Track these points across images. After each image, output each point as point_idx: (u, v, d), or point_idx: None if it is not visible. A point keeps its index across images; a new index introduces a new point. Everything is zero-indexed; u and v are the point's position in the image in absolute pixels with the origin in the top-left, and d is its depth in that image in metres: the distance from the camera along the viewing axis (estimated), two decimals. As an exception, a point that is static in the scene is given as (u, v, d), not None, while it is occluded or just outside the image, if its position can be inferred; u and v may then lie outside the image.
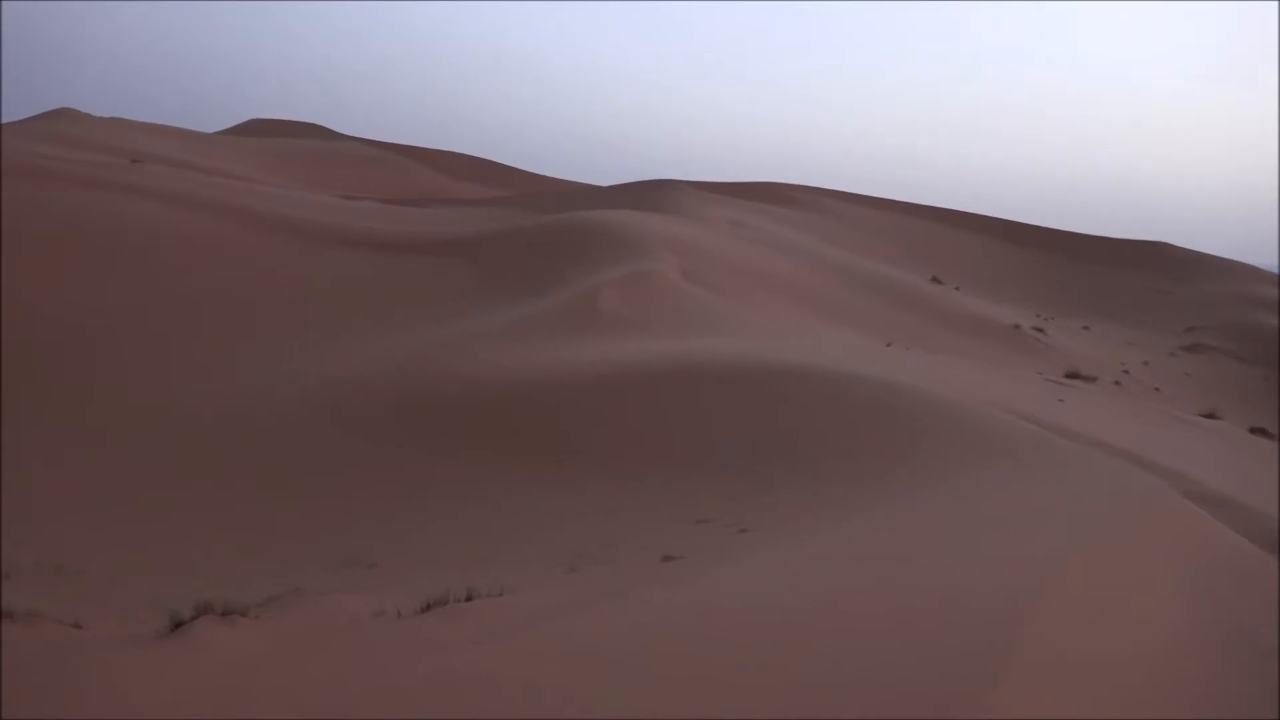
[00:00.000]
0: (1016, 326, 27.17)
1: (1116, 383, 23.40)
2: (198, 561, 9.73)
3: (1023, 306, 33.71)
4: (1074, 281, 39.69)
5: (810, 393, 12.28)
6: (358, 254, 22.20)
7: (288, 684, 4.64)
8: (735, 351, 14.45)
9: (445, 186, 45.36)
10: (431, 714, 4.22)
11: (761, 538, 8.33)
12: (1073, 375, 21.63)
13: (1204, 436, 16.07)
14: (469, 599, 6.13)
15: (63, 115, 42.15)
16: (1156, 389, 24.28)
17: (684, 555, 7.94)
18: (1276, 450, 16.52)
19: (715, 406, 12.31)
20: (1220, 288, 38.37)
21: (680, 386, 12.89)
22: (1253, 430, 18.65)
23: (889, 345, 20.57)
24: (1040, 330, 28.07)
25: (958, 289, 32.49)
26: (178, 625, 5.19)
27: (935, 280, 32.81)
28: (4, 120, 40.03)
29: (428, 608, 5.97)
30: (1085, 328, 32.09)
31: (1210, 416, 18.89)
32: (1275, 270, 42.13)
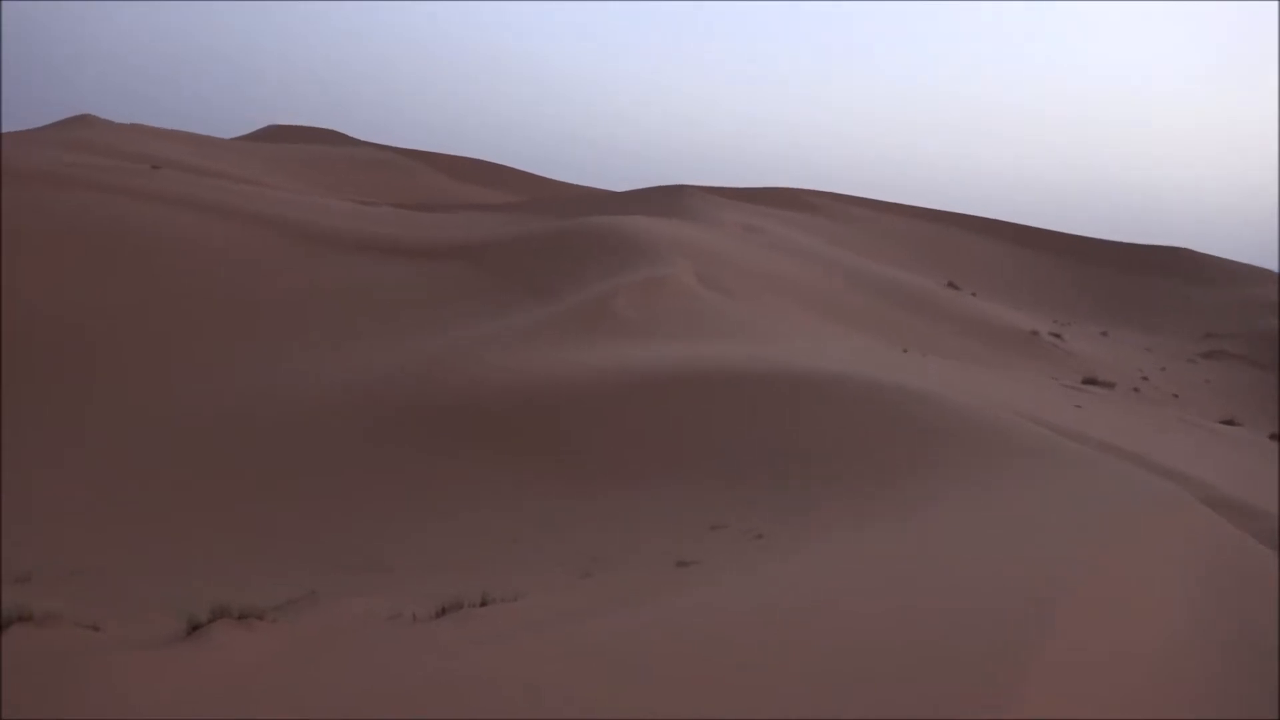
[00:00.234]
0: (1034, 332, 27.03)
1: (1135, 389, 23.25)
2: (208, 563, 9.77)
3: (1040, 312, 33.58)
4: (1091, 286, 39.51)
5: (828, 399, 12.24)
6: (368, 258, 22.28)
7: (303, 687, 4.65)
8: (751, 357, 14.42)
9: (457, 191, 45.54)
10: (443, 717, 4.22)
11: (778, 543, 8.31)
12: (1090, 381, 21.50)
13: (1223, 443, 15.95)
14: (483, 603, 6.13)
15: (82, 122, 42.56)
16: (1175, 395, 24.12)
17: (698, 561, 7.93)
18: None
19: (732, 412, 12.28)
20: (1238, 293, 38.12)
21: (697, 391, 12.86)
22: (1273, 437, 18.48)
23: (905, 351, 20.50)
24: (1058, 336, 27.94)
25: (974, 294, 32.37)
26: (194, 628, 5.22)
27: (951, 285, 32.70)
28: (24, 127, 40.46)
29: (442, 612, 5.98)
30: (1103, 333, 31.93)
31: (1229, 423, 18.75)
32: (1276, 270, 41.89)
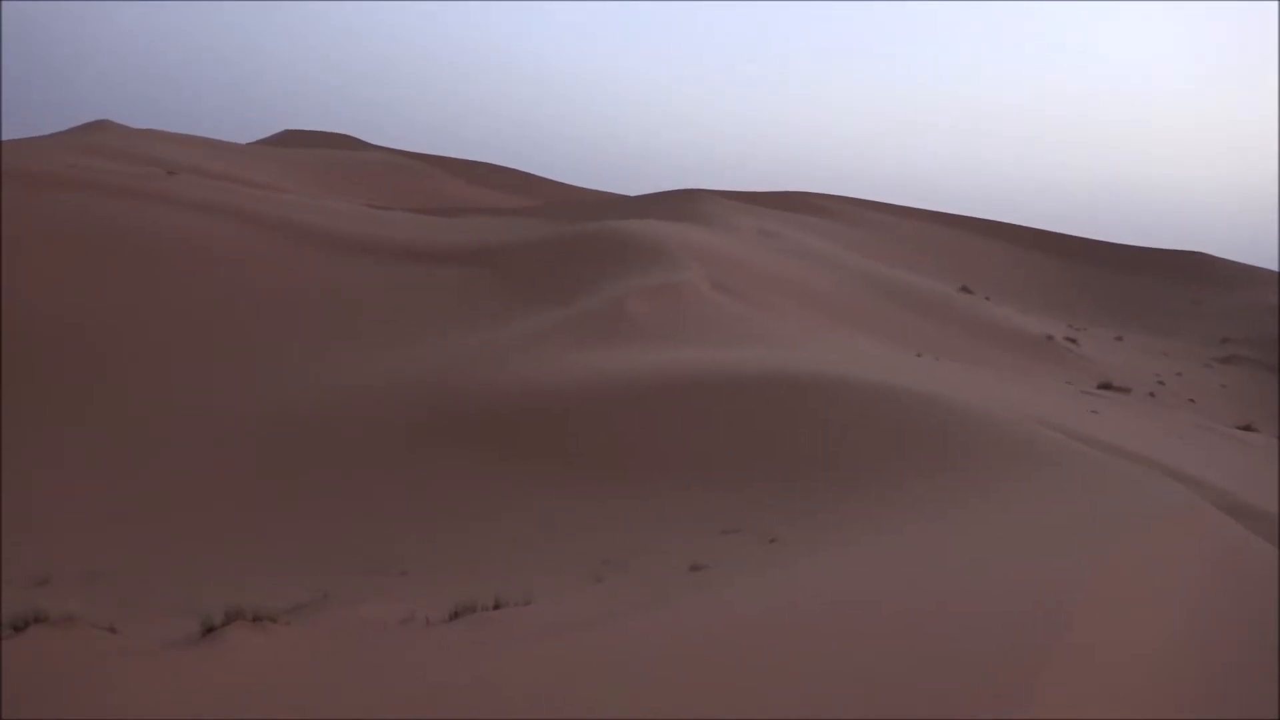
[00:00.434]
0: (1049, 337, 26.91)
1: (1151, 394, 23.12)
2: (219, 566, 9.78)
3: (1054, 316, 33.42)
4: (1106, 291, 39.30)
5: (842, 404, 12.22)
6: (380, 262, 22.31)
7: (317, 690, 4.68)
8: (766, 362, 14.41)
9: (472, 195, 45.68)
10: (452, 718, 4.23)
11: (791, 547, 8.30)
12: (1106, 386, 21.40)
13: (1239, 448, 15.84)
14: (496, 607, 6.15)
15: (99, 127, 42.92)
16: (1191, 400, 23.96)
17: (711, 564, 7.92)
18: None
19: (747, 416, 12.27)
20: (1255, 297, 37.84)
21: (711, 395, 12.86)
22: (1286, 441, 18.35)
23: (919, 355, 20.44)
24: (1073, 341, 27.80)
25: (988, 299, 32.25)
26: (209, 630, 5.26)
27: (965, 290, 32.59)
28: (42, 131, 40.84)
29: (455, 615, 6.00)
30: (1118, 338, 31.75)
31: (1246, 428, 18.62)
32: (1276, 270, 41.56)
